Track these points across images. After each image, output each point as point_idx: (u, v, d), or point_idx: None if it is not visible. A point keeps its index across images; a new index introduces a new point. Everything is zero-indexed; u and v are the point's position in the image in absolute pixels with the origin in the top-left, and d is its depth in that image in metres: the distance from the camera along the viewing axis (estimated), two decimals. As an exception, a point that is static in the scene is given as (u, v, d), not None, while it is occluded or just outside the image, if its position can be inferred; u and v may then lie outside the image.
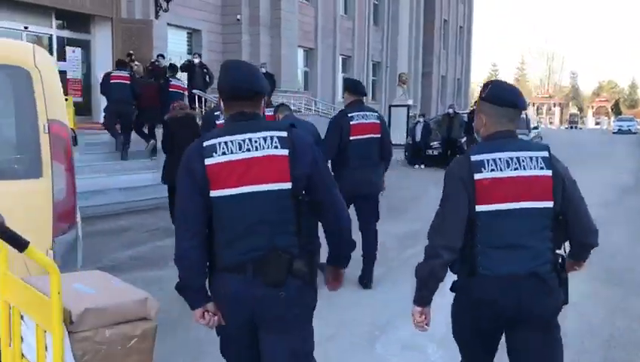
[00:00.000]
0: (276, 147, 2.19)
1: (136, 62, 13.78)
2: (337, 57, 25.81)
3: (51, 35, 14.16)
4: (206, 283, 2.30)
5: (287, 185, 2.18)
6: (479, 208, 2.24)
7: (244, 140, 2.18)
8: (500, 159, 2.25)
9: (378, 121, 5.32)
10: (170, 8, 16.84)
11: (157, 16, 15.57)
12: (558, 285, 2.30)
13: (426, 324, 2.38)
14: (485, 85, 2.43)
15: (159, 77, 13.57)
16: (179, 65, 14.47)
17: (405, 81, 21.79)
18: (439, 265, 2.26)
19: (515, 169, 2.25)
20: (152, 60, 14.11)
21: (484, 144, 2.36)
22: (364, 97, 5.56)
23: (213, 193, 2.16)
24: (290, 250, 2.19)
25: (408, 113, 20.56)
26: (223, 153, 2.17)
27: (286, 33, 20.33)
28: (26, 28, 13.47)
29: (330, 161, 5.09)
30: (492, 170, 2.24)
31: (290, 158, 2.19)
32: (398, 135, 19.10)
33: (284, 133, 2.22)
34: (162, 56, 14.18)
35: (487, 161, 2.26)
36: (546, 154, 2.30)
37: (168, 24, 17.08)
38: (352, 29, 27.00)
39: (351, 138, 5.15)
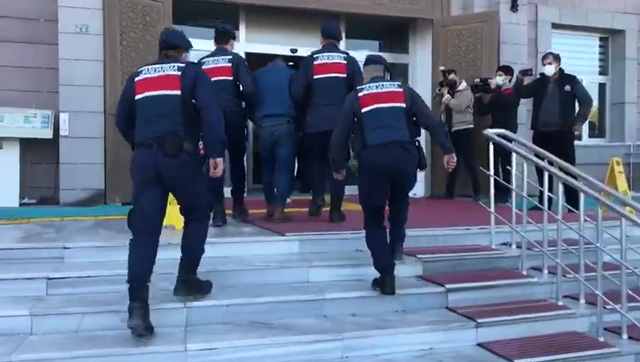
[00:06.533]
0: (174, 71, 3.71)
1: (461, 86, 7.64)
2: None
3: (339, 58, 9.13)
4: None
5: (177, 92, 3.66)
6: (358, 110, 4.25)
7: (158, 67, 3.75)
8: (371, 85, 4.29)
9: (344, 62, 5.59)
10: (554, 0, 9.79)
11: (514, 7, 8.72)
12: (414, 150, 4.21)
13: (344, 176, 4.62)
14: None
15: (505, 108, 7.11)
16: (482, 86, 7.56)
17: None
18: (335, 150, 4.44)
19: (379, 88, 4.25)
20: (480, 80, 7.52)
21: (366, 82, 4.42)
22: (336, 40, 5.88)
23: (136, 97, 3.72)
24: (180, 135, 3.61)
25: None
26: (145, 74, 3.75)
27: None
28: (293, 52, 8.85)
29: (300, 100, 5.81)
30: (367, 91, 4.27)
31: (180, 76, 3.68)
32: None
33: (183, 65, 3.77)
34: (528, 72, 7.41)
35: (365, 87, 4.32)
36: (395, 84, 4.32)
37: (553, 24, 9.99)
38: None
39: (314, 77, 5.60)
